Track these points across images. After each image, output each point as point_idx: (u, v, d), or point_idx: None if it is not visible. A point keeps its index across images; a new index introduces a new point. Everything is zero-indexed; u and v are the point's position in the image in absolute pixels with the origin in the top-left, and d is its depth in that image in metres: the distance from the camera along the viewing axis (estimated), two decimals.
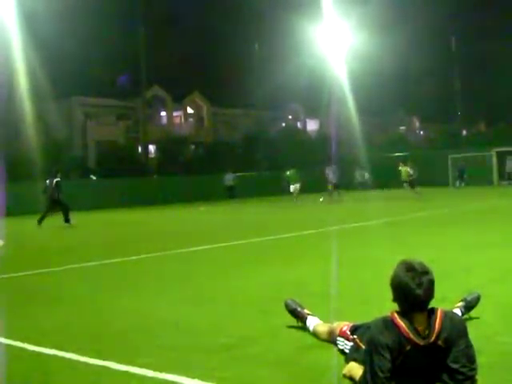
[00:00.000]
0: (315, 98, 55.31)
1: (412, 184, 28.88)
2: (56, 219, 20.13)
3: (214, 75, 66.88)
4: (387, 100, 62.73)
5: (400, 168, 29.75)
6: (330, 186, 29.74)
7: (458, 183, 40.48)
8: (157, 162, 49.29)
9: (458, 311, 4.73)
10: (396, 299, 3.51)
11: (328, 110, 51.09)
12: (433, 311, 3.50)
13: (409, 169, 29.03)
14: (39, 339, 5.17)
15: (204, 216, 23.94)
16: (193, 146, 54.00)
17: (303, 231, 14.35)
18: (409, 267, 3.44)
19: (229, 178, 38.22)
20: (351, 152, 45.10)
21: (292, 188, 30.71)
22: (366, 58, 47.23)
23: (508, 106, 56.25)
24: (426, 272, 3.43)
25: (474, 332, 3.82)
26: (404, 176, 29.53)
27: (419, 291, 3.37)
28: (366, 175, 44.50)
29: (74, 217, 20.37)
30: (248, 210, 25.36)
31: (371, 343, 3.49)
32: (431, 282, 3.43)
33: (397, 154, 45.91)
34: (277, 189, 40.40)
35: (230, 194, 37.59)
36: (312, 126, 68.88)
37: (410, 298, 3.40)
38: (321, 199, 28.17)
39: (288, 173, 31.52)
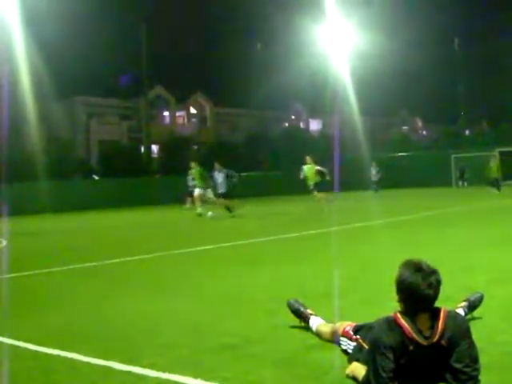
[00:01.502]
0: (318, 98, 55.34)
1: (318, 190, 22.16)
2: (56, 220, 20.14)
3: (216, 75, 66.92)
4: (390, 100, 62.75)
5: (306, 166, 22.43)
6: (215, 196, 21.77)
7: (460, 183, 40.50)
8: (159, 161, 49.35)
9: (461, 311, 4.72)
10: (402, 300, 3.50)
11: (331, 109, 51.09)
12: (436, 311, 3.50)
13: (320, 167, 22.31)
14: (41, 339, 5.17)
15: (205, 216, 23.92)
16: (195, 146, 54.04)
17: (305, 231, 14.35)
18: (417, 268, 3.44)
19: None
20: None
21: (196, 192, 21.71)
22: (369, 57, 47.24)
23: (511, 106, 56.16)
24: (434, 272, 3.44)
25: (476, 332, 3.81)
26: (310, 177, 22.22)
27: (429, 291, 3.38)
28: None
29: (76, 217, 20.36)
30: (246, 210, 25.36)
31: (374, 343, 3.49)
32: (439, 282, 3.44)
33: (400, 154, 45.98)
34: (278, 189, 40.57)
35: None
36: (315, 125, 68.94)
37: (419, 298, 3.40)
38: (209, 214, 20.61)
39: (193, 171, 23.00)
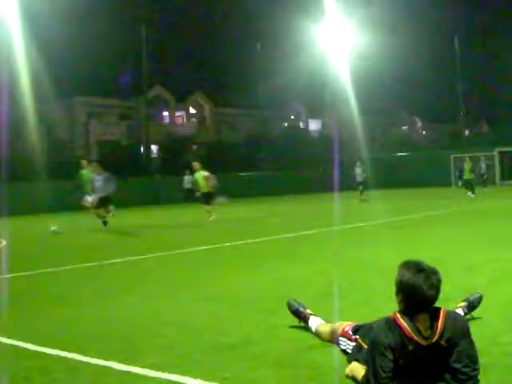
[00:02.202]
0: (318, 98, 55.33)
1: (207, 197, 19.62)
2: (56, 220, 20.13)
3: (216, 75, 66.87)
4: (390, 100, 62.62)
5: (196, 174, 20.06)
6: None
7: (459, 183, 40.51)
8: (159, 161, 49.32)
9: (460, 311, 4.73)
10: (403, 300, 3.49)
11: (330, 110, 51.10)
12: (436, 311, 3.51)
13: (206, 173, 19.76)
14: (41, 339, 5.17)
15: (205, 216, 23.93)
16: (195, 146, 53.99)
17: (305, 231, 14.34)
18: (419, 268, 3.45)
19: (189, 180, 34.07)
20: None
21: (88, 200, 18.15)
22: (369, 57, 47.24)
23: (511, 106, 56.19)
24: (435, 272, 3.46)
25: (476, 332, 3.81)
26: (201, 185, 19.75)
27: (432, 292, 3.40)
28: None
29: (75, 217, 20.32)
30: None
31: (374, 343, 3.49)
32: (440, 282, 3.47)
33: (399, 154, 45.98)
34: (278, 189, 40.63)
35: (188, 196, 33.50)
36: (314, 125, 68.88)
37: (421, 298, 3.41)
38: (52, 228, 16.82)
39: (84, 172, 19.75)
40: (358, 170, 30.94)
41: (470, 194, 27.50)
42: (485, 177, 37.44)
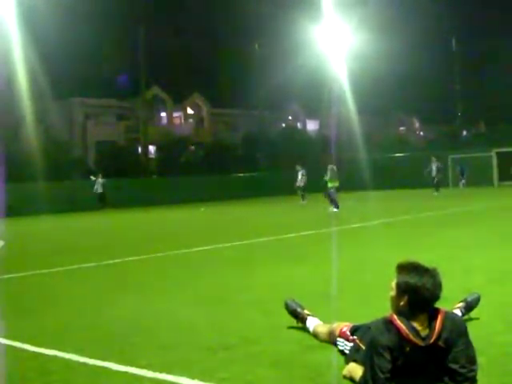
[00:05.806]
0: (315, 99, 55.31)
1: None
2: (54, 221, 20.11)
3: (214, 76, 66.94)
4: (387, 100, 62.75)
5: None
6: None
7: (461, 184, 40.45)
8: (157, 162, 49.30)
9: (458, 312, 4.73)
10: (408, 302, 3.47)
11: (328, 110, 51.11)
12: (434, 311, 3.50)
13: None
14: (39, 340, 5.17)
15: (204, 217, 23.94)
16: (193, 147, 53.99)
17: (302, 232, 14.35)
18: (422, 269, 3.46)
19: (98, 184, 32.44)
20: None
21: None
22: (366, 58, 47.21)
23: (508, 107, 56.26)
24: (437, 272, 3.48)
25: (473, 332, 3.81)
26: None
27: (439, 291, 3.44)
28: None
29: (73, 217, 20.32)
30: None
31: (371, 344, 3.49)
32: (441, 281, 3.48)
33: (397, 155, 46.01)
34: (276, 189, 40.64)
35: (101, 202, 32.24)
36: (312, 126, 68.90)
37: (429, 299, 3.42)
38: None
39: None
40: (299, 175, 29.29)
41: (332, 209, 21.92)
42: (435, 180, 36.33)
